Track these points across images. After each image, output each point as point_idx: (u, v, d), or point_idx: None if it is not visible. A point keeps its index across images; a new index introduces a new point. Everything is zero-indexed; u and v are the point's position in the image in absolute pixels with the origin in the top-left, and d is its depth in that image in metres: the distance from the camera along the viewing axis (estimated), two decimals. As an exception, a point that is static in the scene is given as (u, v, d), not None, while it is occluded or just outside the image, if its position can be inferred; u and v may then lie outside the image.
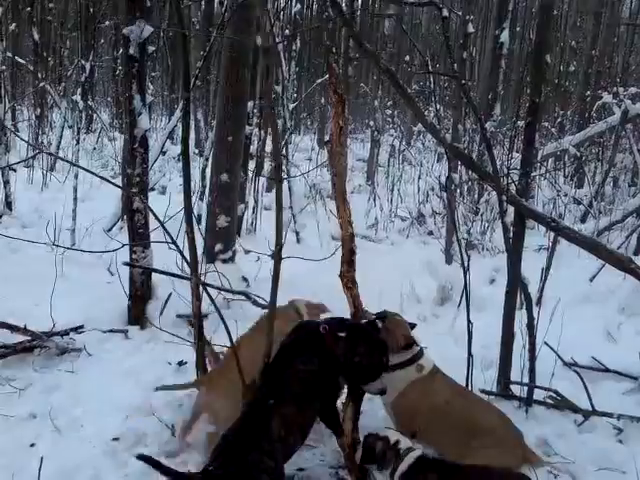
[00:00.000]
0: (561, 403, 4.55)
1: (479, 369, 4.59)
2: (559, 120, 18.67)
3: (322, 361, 3.15)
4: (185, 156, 4.32)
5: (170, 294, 5.78)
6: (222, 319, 4.01)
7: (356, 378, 3.30)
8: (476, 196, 10.81)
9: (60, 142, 14.07)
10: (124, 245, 4.81)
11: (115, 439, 3.91)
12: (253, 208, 10.09)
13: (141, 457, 2.65)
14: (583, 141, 13.06)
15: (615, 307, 6.65)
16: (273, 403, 2.94)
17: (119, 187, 6.29)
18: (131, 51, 5.41)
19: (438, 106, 13.55)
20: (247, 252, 7.51)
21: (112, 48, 20.39)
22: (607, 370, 5.17)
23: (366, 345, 3.24)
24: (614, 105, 12.97)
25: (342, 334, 3.22)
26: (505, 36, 13.04)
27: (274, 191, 3.72)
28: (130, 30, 5.37)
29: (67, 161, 5.97)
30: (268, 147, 11.97)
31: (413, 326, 3.94)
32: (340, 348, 3.19)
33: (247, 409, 3.07)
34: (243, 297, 6.11)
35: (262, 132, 10.97)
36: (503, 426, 3.59)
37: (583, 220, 11.44)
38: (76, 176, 8.34)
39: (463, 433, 3.49)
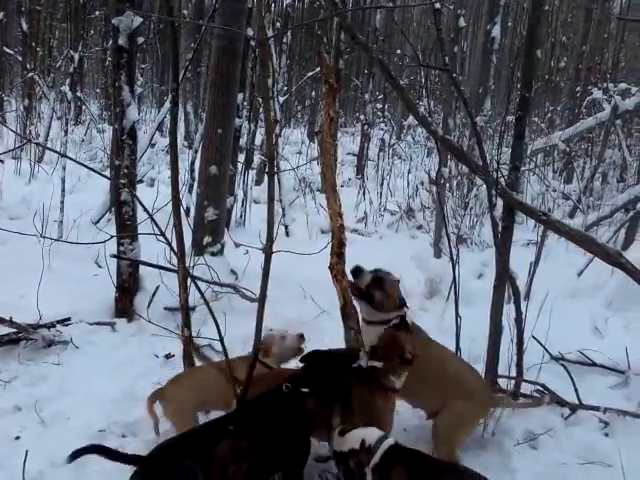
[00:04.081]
0: (548, 397, 4.56)
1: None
2: (549, 115, 18.74)
3: (291, 419, 3.11)
4: (173, 148, 4.29)
5: (158, 287, 5.76)
6: (210, 312, 3.99)
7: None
8: (465, 190, 10.84)
9: (48, 133, 13.97)
10: (112, 237, 4.79)
11: (101, 431, 3.89)
12: (242, 201, 10.07)
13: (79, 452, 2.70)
14: (572, 136, 13.09)
15: (602, 302, 6.69)
16: (231, 430, 2.92)
17: (107, 178, 6.27)
18: (120, 42, 5.37)
19: (429, 100, 13.57)
20: (237, 246, 7.49)
21: (102, 39, 20.25)
22: (594, 364, 5.20)
23: (335, 390, 3.26)
24: (604, 101, 13.02)
25: (306, 390, 3.18)
26: (496, 31, 13.03)
27: (263, 184, 3.70)
28: (119, 20, 5.34)
29: (55, 152, 5.91)
30: (258, 140, 11.96)
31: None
32: (309, 403, 3.17)
33: (205, 424, 3.10)
34: (232, 290, 6.09)
35: (252, 125, 10.93)
36: (473, 377, 3.90)
37: (572, 215, 11.49)
38: (64, 168, 8.28)
39: (435, 384, 3.69)
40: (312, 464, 3.73)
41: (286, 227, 9.78)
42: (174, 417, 3.70)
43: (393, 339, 3.56)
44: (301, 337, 3.93)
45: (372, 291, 3.82)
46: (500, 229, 4.66)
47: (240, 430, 2.92)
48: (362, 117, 16.25)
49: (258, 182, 11.79)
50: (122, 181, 5.48)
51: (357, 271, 3.87)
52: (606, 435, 4.21)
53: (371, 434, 3.08)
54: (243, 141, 10.60)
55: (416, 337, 3.77)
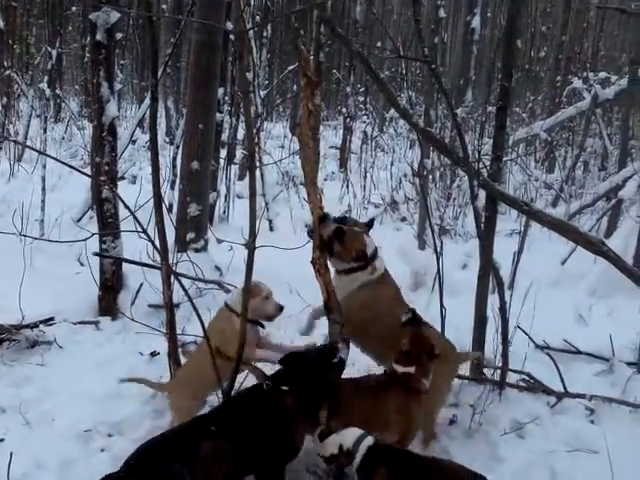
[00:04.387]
0: (534, 386, 4.59)
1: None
2: (530, 105, 18.82)
3: (270, 418, 3.09)
4: (153, 144, 4.25)
5: (141, 284, 5.72)
6: (194, 309, 3.98)
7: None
8: (448, 182, 10.86)
9: (28, 131, 13.81)
10: (93, 234, 4.74)
11: (87, 431, 3.85)
12: (225, 196, 10.02)
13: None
14: (554, 126, 13.16)
15: (586, 290, 6.75)
16: (213, 430, 2.90)
17: (88, 176, 6.19)
18: (98, 37, 5.30)
19: (410, 92, 13.59)
20: (220, 242, 7.45)
21: (80, 35, 20.08)
22: (579, 352, 5.24)
23: (315, 387, 3.23)
24: (584, 90, 13.10)
25: (285, 387, 3.17)
26: (476, 22, 13.09)
27: (246, 179, 3.68)
28: (97, 16, 5.27)
29: (35, 150, 5.86)
30: (240, 134, 11.91)
31: (371, 224, 4.16)
32: (289, 401, 3.15)
33: (188, 423, 3.06)
34: (216, 286, 6.07)
35: (233, 119, 10.88)
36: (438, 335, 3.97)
37: (554, 204, 11.56)
38: (44, 166, 8.20)
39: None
40: (302, 459, 3.74)
41: (270, 222, 9.76)
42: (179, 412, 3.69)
43: (418, 339, 3.55)
44: (281, 309, 3.89)
45: (332, 242, 3.90)
46: (483, 220, 4.67)
47: (222, 430, 2.90)
48: (344, 110, 16.22)
49: (241, 177, 11.75)
50: (103, 178, 5.42)
51: (322, 220, 3.91)
52: (592, 422, 4.24)
53: (349, 437, 3.04)
54: (225, 136, 10.54)
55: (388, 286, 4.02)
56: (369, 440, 3.03)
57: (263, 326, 3.91)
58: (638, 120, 15.10)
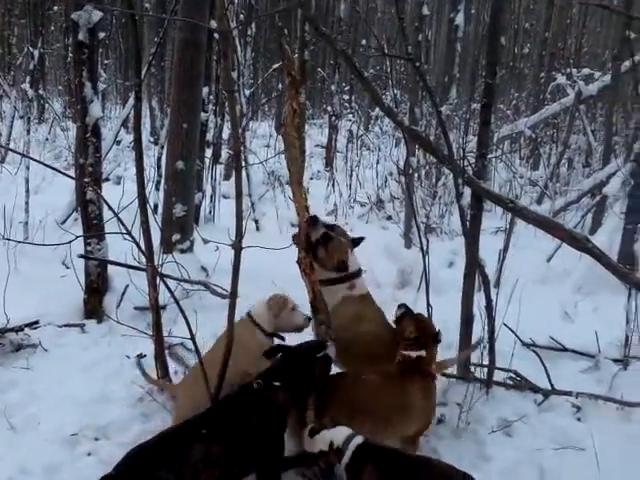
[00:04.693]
0: (521, 383, 4.61)
1: (439, 351, 4.61)
2: (514, 102, 18.90)
3: (264, 416, 3.08)
4: (137, 144, 4.22)
5: (127, 286, 5.68)
6: (181, 310, 3.94)
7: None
8: (434, 180, 10.88)
9: (11, 133, 13.71)
10: (78, 237, 4.70)
11: (73, 435, 3.82)
12: (211, 196, 9.99)
13: None
14: (538, 123, 13.23)
15: (572, 287, 6.78)
16: (204, 434, 2.88)
17: (71, 178, 6.15)
18: (80, 37, 5.25)
19: (395, 90, 13.59)
20: (206, 242, 7.42)
21: (62, 34, 19.94)
22: (565, 349, 5.27)
23: (304, 381, 3.25)
24: (568, 86, 13.17)
25: (277, 383, 3.17)
26: (460, 19, 13.11)
27: (232, 179, 3.66)
28: (79, 15, 5.22)
29: (17, 152, 5.80)
30: (225, 134, 11.87)
31: (359, 241, 4.13)
32: (281, 397, 3.15)
33: (177, 426, 3.04)
34: (202, 287, 6.05)
35: (218, 119, 10.85)
36: None
37: (539, 201, 11.63)
38: (28, 167, 8.15)
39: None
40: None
41: (256, 221, 9.74)
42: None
43: (423, 324, 3.70)
44: (309, 319, 3.89)
45: (317, 246, 3.92)
46: (468, 218, 4.67)
47: (213, 434, 2.88)
48: (329, 108, 16.23)
49: (227, 177, 11.72)
50: (87, 180, 5.38)
51: (312, 222, 3.94)
52: (579, 420, 4.26)
53: (339, 434, 3.06)
54: (210, 135, 10.51)
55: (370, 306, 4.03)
56: (358, 439, 3.04)
57: (283, 338, 3.89)
58: (621, 116, 15.19)
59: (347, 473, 2.99)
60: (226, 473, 2.87)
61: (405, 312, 3.79)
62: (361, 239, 4.18)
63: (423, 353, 3.58)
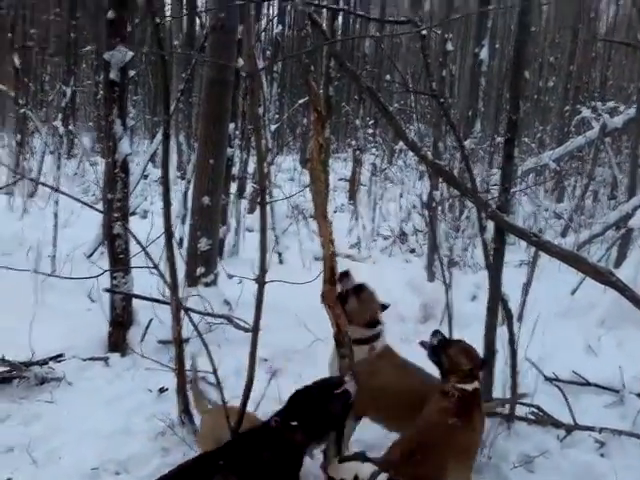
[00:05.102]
0: (543, 418, 4.56)
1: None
2: (539, 135, 18.89)
3: (280, 454, 3.07)
4: (165, 180, 4.32)
5: (151, 320, 5.74)
6: (204, 344, 3.99)
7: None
8: (457, 213, 10.87)
9: (41, 168, 13.99)
10: (105, 271, 4.79)
11: (94, 469, 3.85)
12: (235, 230, 10.09)
13: None
14: (563, 155, 13.19)
15: (596, 320, 6.70)
16: (222, 464, 2.90)
17: (100, 212, 6.28)
18: (112, 76, 5.39)
19: (419, 124, 13.68)
20: (230, 277, 7.48)
21: (93, 72, 20.43)
22: (588, 384, 5.21)
23: (322, 419, 3.20)
24: (593, 119, 13.14)
25: (294, 423, 3.14)
26: (484, 53, 13.16)
27: (256, 212, 3.72)
28: (111, 55, 5.35)
29: (48, 186, 5.95)
30: (250, 168, 12.01)
31: (385, 307, 4.11)
32: (298, 437, 3.13)
33: (195, 458, 3.07)
34: (225, 321, 6.09)
35: (244, 153, 11.00)
36: None
37: (564, 234, 11.54)
38: (57, 202, 8.30)
39: (408, 409, 3.61)
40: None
41: (279, 254, 9.80)
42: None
43: (473, 353, 3.63)
44: None
45: (349, 296, 3.93)
46: (491, 251, 4.68)
47: (230, 465, 2.90)
48: (353, 142, 16.36)
49: (251, 210, 11.84)
50: (115, 214, 5.49)
51: (344, 275, 3.97)
52: (602, 455, 4.20)
53: (365, 470, 2.99)
54: (235, 169, 10.65)
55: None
56: (384, 476, 2.98)
57: None
58: (647, 149, 15.08)
59: None
60: None
61: (442, 339, 3.70)
62: (386, 306, 4.15)
63: (478, 385, 3.53)
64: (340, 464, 3.11)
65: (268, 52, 15.53)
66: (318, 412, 3.16)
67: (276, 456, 3.03)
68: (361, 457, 3.10)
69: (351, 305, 3.94)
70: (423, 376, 3.98)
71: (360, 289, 4.01)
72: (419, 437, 3.35)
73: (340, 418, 3.30)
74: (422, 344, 3.77)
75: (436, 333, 3.75)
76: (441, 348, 3.66)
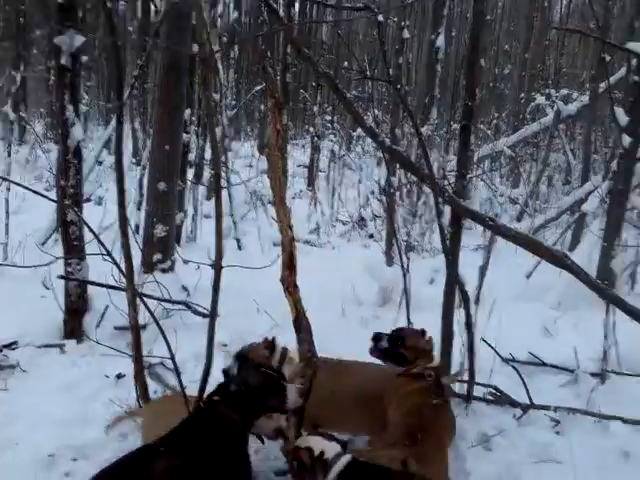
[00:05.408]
0: (500, 398, 4.64)
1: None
2: (494, 122, 19.09)
3: (217, 434, 3.04)
4: (118, 165, 4.24)
5: (107, 306, 5.67)
6: (161, 330, 3.95)
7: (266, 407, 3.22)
8: (415, 199, 10.95)
9: (-8, 155, 13.64)
10: (58, 258, 4.70)
11: (51, 455, 3.79)
12: (192, 216, 9.99)
13: None
14: (518, 142, 13.41)
15: (551, 303, 6.84)
16: (163, 450, 2.88)
17: (52, 200, 6.13)
18: (63, 61, 5.27)
19: (376, 111, 13.71)
20: (186, 262, 7.41)
21: (45, 57, 19.96)
22: (544, 364, 5.31)
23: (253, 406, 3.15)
24: (547, 106, 13.36)
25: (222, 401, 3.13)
26: (441, 41, 13.26)
27: (214, 199, 3.68)
28: (61, 40, 5.23)
29: (-2, 175, 5.80)
30: (207, 154, 11.90)
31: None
32: (233, 415, 3.07)
33: (137, 449, 3.03)
34: (183, 307, 6.04)
35: (200, 140, 10.88)
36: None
37: (519, 219, 11.72)
38: (8, 189, 8.11)
39: (356, 408, 3.67)
40: (270, 474, 3.73)
41: (238, 241, 9.74)
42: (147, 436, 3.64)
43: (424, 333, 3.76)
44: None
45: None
46: (448, 235, 4.72)
47: (172, 449, 2.88)
48: (311, 129, 16.32)
49: (208, 197, 11.73)
50: (68, 201, 5.38)
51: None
52: (557, 433, 4.29)
53: (331, 448, 2.98)
54: (192, 156, 10.54)
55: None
56: (348, 456, 2.97)
57: None
58: (599, 135, 15.40)
59: None
60: None
61: (391, 335, 3.75)
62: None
63: (436, 364, 3.66)
64: (309, 437, 3.12)
65: (224, 38, 15.35)
66: (249, 400, 3.11)
67: (214, 436, 3.01)
68: (328, 437, 3.10)
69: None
70: (365, 369, 3.99)
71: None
72: (413, 418, 3.36)
73: (271, 408, 3.22)
74: (376, 354, 3.80)
75: (379, 335, 3.78)
76: (396, 341, 3.71)
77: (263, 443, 3.38)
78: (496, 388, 4.70)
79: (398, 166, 9.21)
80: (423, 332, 3.80)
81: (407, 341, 3.69)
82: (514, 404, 4.56)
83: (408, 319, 4.78)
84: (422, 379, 3.56)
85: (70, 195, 5.42)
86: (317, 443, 3.00)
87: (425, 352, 3.67)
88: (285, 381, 3.18)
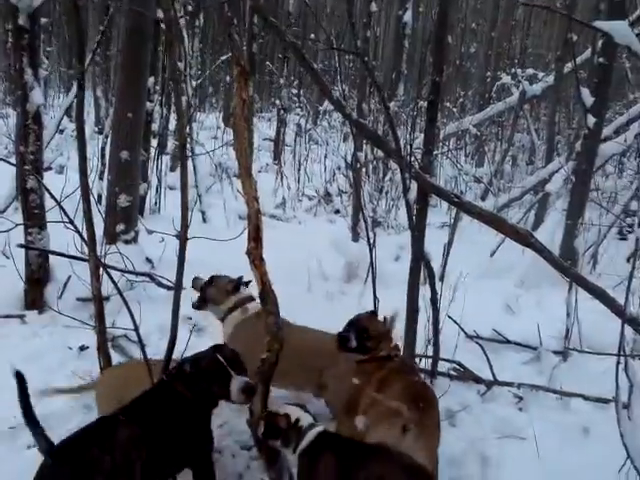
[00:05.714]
0: (464, 374, 4.68)
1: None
2: (460, 100, 19.15)
3: (175, 407, 3.03)
4: (80, 132, 4.12)
5: (69, 277, 5.56)
6: (124, 301, 3.88)
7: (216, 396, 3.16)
8: (381, 175, 10.95)
9: (-53, 119, 13.24)
10: (17, 225, 4.58)
11: (12, 428, 3.74)
12: (156, 187, 9.85)
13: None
14: (483, 121, 13.45)
15: (514, 281, 6.91)
16: (123, 419, 2.88)
17: (11, 164, 5.97)
18: (20, 22, 5.11)
19: (343, 85, 13.62)
20: (150, 232, 7.29)
21: (2, 19, 19.34)
22: (508, 341, 5.38)
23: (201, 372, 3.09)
24: (512, 86, 13.43)
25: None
26: (408, 16, 13.19)
27: (178, 170, 3.61)
28: (18, 0, 5.07)
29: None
30: (171, 125, 11.72)
31: (240, 280, 4.32)
32: (187, 393, 3.05)
33: (97, 419, 3.03)
34: (147, 279, 5.96)
35: (164, 109, 10.69)
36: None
37: (483, 198, 11.82)
38: (-35, 155, 7.89)
39: (297, 361, 3.76)
40: (238, 453, 3.72)
41: (203, 213, 9.64)
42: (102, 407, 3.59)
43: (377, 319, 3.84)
44: None
45: (204, 290, 4.29)
46: (414, 212, 4.71)
47: (131, 418, 2.89)
48: (278, 102, 16.17)
49: (173, 168, 11.56)
50: (28, 168, 5.24)
51: (195, 280, 4.32)
52: (520, 409, 4.37)
53: (305, 418, 3.07)
54: (156, 126, 10.35)
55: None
56: (321, 427, 3.07)
57: None
58: (564, 116, 15.57)
59: (301, 458, 2.99)
60: (154, 457, 2.85)
61: (353, 326, 3.76)
62: (241, 280, 4.33)
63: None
64: (286, 405, 3.18)
65: (189, 6, 15.04)
66: (198, 384, 3.08)
67: (171, 410, 3.01)
68: (303, 407, 3.18)
69: (209, 293, 4.23)
70: (306, 332, 4.12)
71: (211, 279, 4.27)
72: (410, 389, 3.37)
73: (218, 396, 3.14)
74: (346, 348, 3.77)
75: (344, 337, 3.74)
76: (362, 335, 3.71)
77: None
78: (460, 364, 4.75)
79: (365, 141, 9.18)
80: (374, 314, 3.89)
81: (371, 332, 3.71)
82: (478, 380, 4.62)
83: (374, 295, 4.78)
84: (390, 360, 3.62)
85: (30, 162, 5.28)
86: (294, 411, 3.09)
87: (385, 335, 3.72)
88: (243, 373, 3.13)
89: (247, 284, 4.37)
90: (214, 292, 4.25)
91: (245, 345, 3.64)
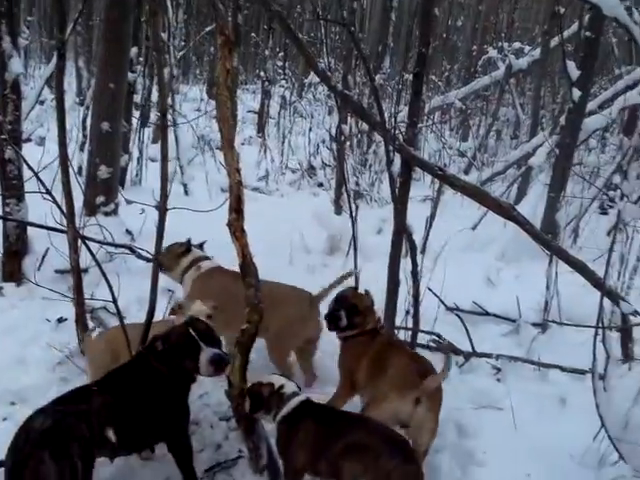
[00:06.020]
0: (443, 346, 4.71)
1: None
2: (446, 74, 19.06)
3: (148, 379, 3.04)
4: (59, 100, 4.06)
5: (47, 249, 5.50)
6: (103, 273, 3.85)
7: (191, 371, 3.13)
8: (365, 148, 10.91)
9: None
10: (-5, 196, 4.50)
11: (-12, 399, 3.72)
12: (137, 159, 9.75)
13: None
14: (468, 95, 13.41)
15: (495, 254, 6.94)
16: (95, 389, 2.92)
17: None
18: (-1, -12, 5.00)
19: (329, 58, 13.49)
20: (129, 202, 7.21)
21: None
22: (487, 314, 5.41)
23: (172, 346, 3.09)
24: (499, 60, 13.37)
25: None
26: (395, -12, 13.09)
27: (160, 138, 3.56)
28: (-4, -35, 4.96)
29: None
30: (154, 97, 11.58)
31: (189, 242, 4.50)
32: (162, 367, 3.06)
33: (71, 390, 3.02)
34: (127, 250, 5.91)
35: (147, 80, 10.56)
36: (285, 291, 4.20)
37: (467, 172, 11.83)
38: (-58, 124, 7.74)
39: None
40: (216, 423, 3.72)
41: (185, 186, 9.56)
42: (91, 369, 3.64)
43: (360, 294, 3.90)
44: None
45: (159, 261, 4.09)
46: (398, 185, 4.70)
47: (105, 388, 2.92)
48: (262, 74, 16.02)
49: (155, 140, 11.44)
50: (5, 137, 5.16)
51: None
52: (498, 380, 4.41)
53: (289, 386, 3.11)
54: (138, 97, 10.22)
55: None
56: (304, 396, 3.11)
57: None
58: (549, 90, 15.55)
59: (281, 425, 3.02)
60: (127, 426, 2.88)
61: (340, 305, 3.79)
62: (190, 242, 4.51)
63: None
64: (271, 375, 3.23)
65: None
66: (169, 358, 3.07)
67: (145, 382, 3.02)
68: (286, 377, 3.25)
69: (164, 261, 4.27)
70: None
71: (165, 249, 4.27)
72: (416, 362, 3.44)
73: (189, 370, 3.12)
74: (337, 327, 3.80)
75: (334, 315, 3.78)
76: (350, 309, 3.75)
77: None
78: (439, 335, 4.78)
79: (350, 113, 9.12)
80: (356, 289, 3.99)
81: (360, 308, 3.76)
82: (457, 352, 4.64)
83: (356, 267, 4.78)
84: (378, 334, 3.70)
85: (8, 132, 5.19)
86: (278, 380, 3.14)
87: (370, 309, 3.77)
88: (217, 345, 3.11)
89: (201, 245, 4.59)
90: (168, 259, 4.36)
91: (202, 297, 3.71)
